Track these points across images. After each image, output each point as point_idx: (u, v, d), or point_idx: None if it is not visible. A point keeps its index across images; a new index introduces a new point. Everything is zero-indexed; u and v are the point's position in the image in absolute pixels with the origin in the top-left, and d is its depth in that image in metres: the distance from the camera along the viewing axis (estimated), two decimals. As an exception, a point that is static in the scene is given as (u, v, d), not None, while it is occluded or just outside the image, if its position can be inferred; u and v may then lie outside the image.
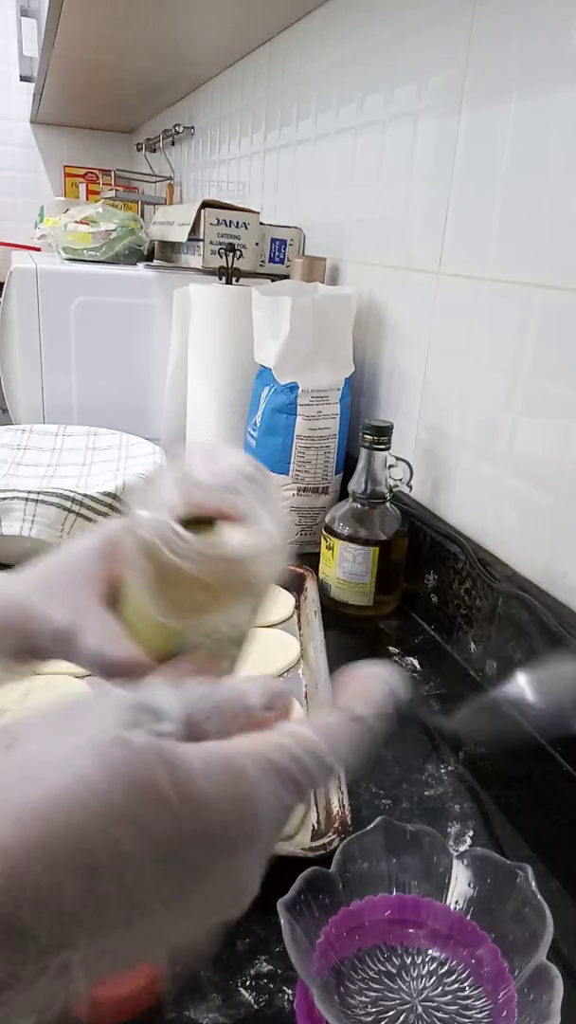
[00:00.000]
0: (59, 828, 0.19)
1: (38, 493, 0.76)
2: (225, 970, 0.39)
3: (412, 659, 0.70)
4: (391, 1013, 0.36)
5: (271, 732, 0.24)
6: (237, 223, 1.06)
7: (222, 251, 1.02)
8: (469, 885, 0.40)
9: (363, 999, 0.36)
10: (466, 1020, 0.36)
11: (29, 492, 0.76)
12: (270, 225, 1.11)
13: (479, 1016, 0.36)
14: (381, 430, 0.71)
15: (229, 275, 1.00)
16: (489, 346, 0.69)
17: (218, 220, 1.05)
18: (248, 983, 0.39)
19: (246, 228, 1.06)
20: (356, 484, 0.73)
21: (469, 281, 0.72)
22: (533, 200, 0.62)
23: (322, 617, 0.70)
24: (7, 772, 0.20)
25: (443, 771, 0.55)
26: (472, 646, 0.68)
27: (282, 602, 0.73)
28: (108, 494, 0.78)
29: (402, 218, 0.84)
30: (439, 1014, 0.36)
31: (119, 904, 0.19)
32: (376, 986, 0.37)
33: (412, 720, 0.59)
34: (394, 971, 0.38)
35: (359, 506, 0.73)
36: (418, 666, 0.69)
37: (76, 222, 1.24)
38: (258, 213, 1.07)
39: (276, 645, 0.67)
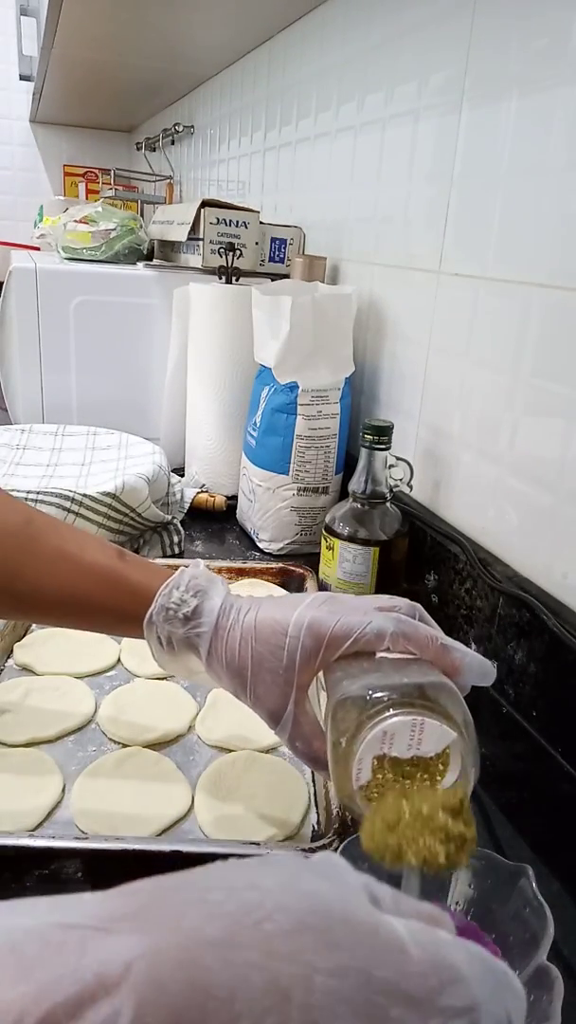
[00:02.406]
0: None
1: (37, 493, 0.75)
2: (225, 971, 0.39)
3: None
4: (391, 1014, 0.36)
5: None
6: (237, 222, 1.06)
7: (222, 250, 1.02)
8: (470, 886, 0.40)
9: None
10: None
11: (28, 492, 0.76)
12: (270, 224, 1.11)
13: (480, 1017, 0.36)
14: (381, 430, 0.71)
15: (229, 274, 1.00)
16: (489, 346, 0.69)
17: (218, 219, 1.04)
18: (248, 984, 0.39)
19: (246, 227, 1.06)
20: (356, 484, 0.73)
21: (469, 280, 0.71)
22: (533, 200, 0.62)
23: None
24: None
25: (443, 771, 0.55)
26: (473, 646, 0.68)
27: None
28: (107, 494, 0.77)
29: (402, 217, 0.84)
30: (440, 1015, 0.36)
31: None
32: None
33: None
34: (394, 972, 0.38)
35: (359, 506, 0.73)
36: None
37: (75, 221, 1.23)
38: (258, 212, 1.07)
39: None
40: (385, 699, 0.35)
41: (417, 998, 0.17)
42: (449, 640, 0.39)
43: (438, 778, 0.35)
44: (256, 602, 0.43)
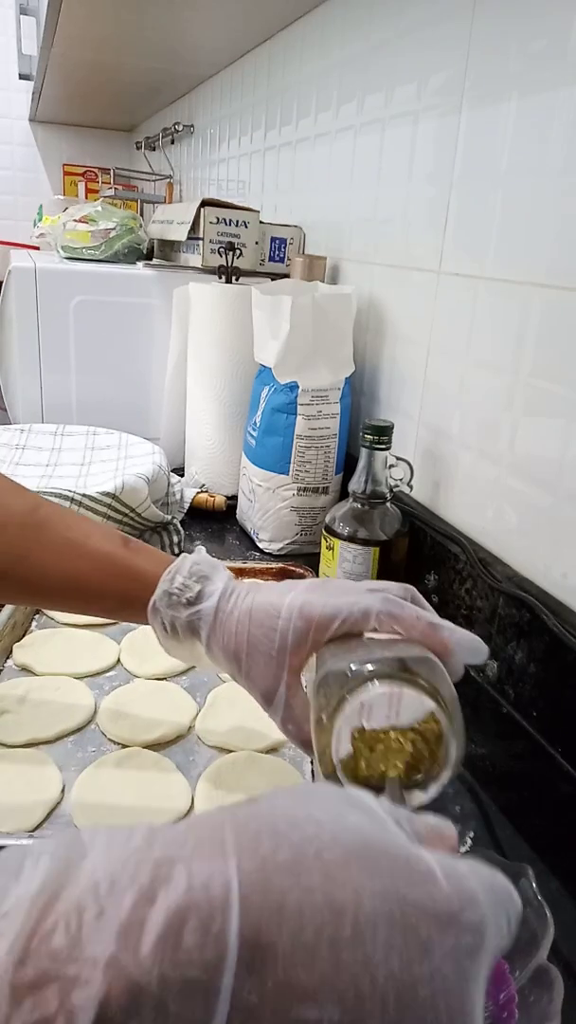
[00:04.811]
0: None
1: (37, 493, 0.75)
2: (225, 971, 0.39)
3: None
4: (391, 1015, 0.36)
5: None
6: (237, 222, 1.06)
7: (222, 250, 1.02)
8: (470, 886, 0.40)
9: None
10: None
11: (28, 492, 0.75)
12: (270, 224, 1.11)
13: (480, 1017, 0.36)
14: (381, 430, 0.71)
15: (229, 274, 1.00)
16: (489, 346, 0.69)
17: (218, 219, 1.04)
18: (248, 984, 0.39)
19: (246, 227, 1.06)
20: (356, 484, 0.73)
21: (469, 280, 0.71)
22: (533, 200, 0.62)
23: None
24: (260, 815, 0.22)
25: (443, 771, 0.55)
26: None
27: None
28: (107, 494, 0.77)
29: (402, 217, 0.84)
30: (440, 1015, 0.36)
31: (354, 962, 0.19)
32: (376, 987, 0.37)
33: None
34: (394, 972, 0.38)
35: (359, 506, 0.73)
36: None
37: (75, 221, 1.23)
38: (258, 212, 1.07)
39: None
40: (364, 672, 0.35)
41: (442, 917, 0.21)
42: (438, 619, 0.39)
43: (422, 747, 0.35)
44: (255, 587, 0.44)
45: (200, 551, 0.47)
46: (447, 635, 0.38)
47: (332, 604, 0.39)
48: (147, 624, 0.45)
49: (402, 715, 0.34)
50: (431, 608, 0.41)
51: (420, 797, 0.34)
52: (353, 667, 0.35)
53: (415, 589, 0.41)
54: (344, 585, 0.41)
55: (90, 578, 0.45)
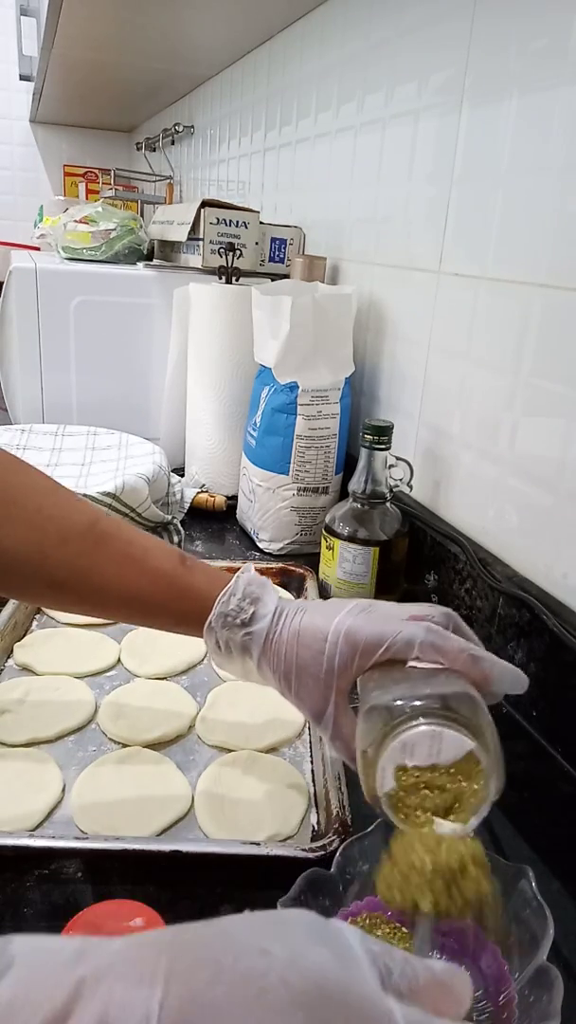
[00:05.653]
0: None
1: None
2: (225, 971, 0.39)
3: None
4: (392, 1014, 0.36)
5: None
6: (237, 222, 1.06)
7: (222, 250, 1.02)
8: (470, 886, 0.40)
9: (363, 1000, 0.36)
10: (467, 1021, 0.36)
11: (29, 492, 0.75)
12: (270, 224, 1.11)
13: (480, 1017, 0.36)
14: (381, 430, 0.71)
15: (229, 274, 1.00)
16: (489, 346, 0.69)
17: (218, 219, 1.05)
18: (248, 984, 0.38)
19: (246, 227, 1.06)
20: (356, 484, 0.73)
21: (469, 280, 0.71)
22: (533, 199, 0.62)
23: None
24: (206, 942, 0.20)
25: (443, 771, 0.55)
26: (472, 646, 0.68)
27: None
28: (108, 494, 0.77)
29: (402, 217, 0.84)
30: (440, 1015, 0.36)
31: None
32: (377, 987, 0.37)
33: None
34: (395, 972, 0.38)
35: (359, 506, 0.73)
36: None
37: (75, 221, 1.23)
38: (258, 212, 1.07)
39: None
40: (408, 710, 0.36)
41: None
42: (479, 650, 0.40)
43: (463, 783, 0.35)
44: (302, 608, 0.45)
45: (249, 568, 0.48)
46: (488, 667, 0.39)
47: (377, 631, 0.40)
48: (200, 637, 0.46)
49: (443, 754, 0.35)
50: (473, 635, 0.42)
51: (461, 828, 0.35)
52: (397, 704, 0.36)
53: (456, 615, 0.42)
54: (388, 610, 0.42)
55: (148, 595, 0.46)
